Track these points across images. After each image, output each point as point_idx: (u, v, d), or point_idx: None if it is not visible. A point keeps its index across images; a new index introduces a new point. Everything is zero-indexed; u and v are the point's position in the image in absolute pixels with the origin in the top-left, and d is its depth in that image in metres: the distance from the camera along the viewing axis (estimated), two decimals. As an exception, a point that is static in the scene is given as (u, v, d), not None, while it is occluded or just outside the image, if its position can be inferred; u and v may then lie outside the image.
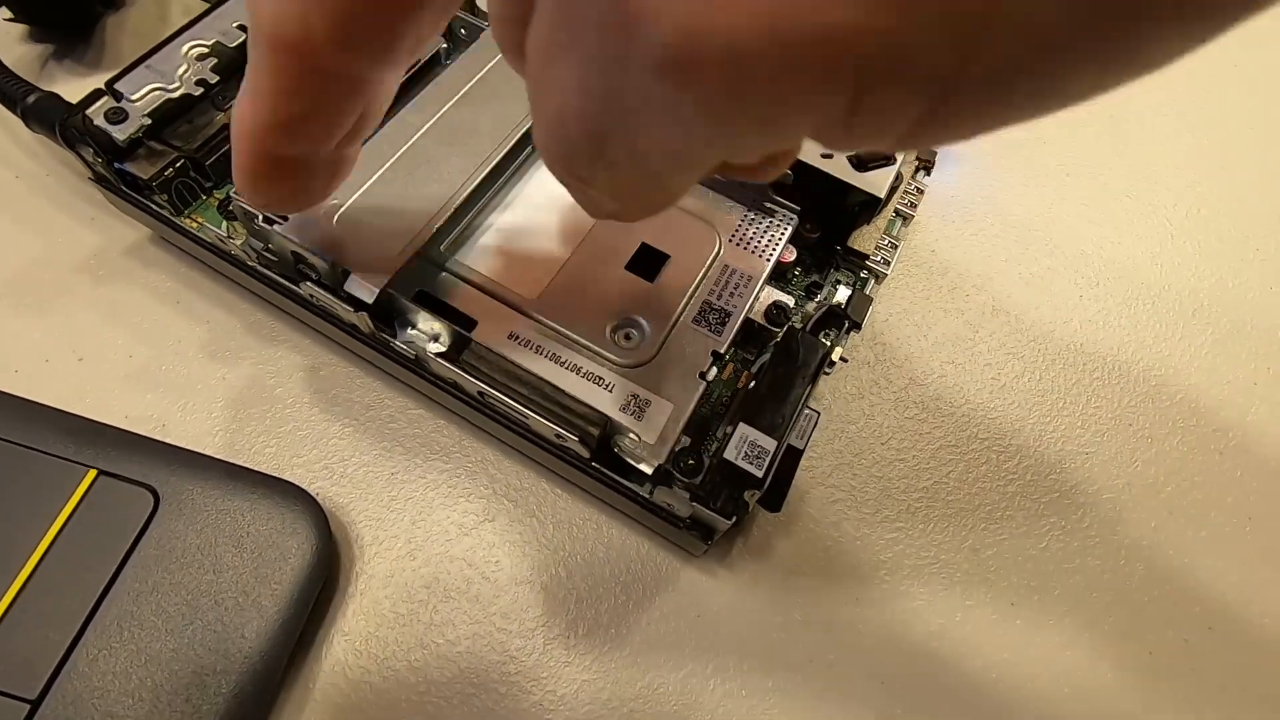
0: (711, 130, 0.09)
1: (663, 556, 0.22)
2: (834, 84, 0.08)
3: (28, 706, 0.17)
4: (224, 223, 0.23)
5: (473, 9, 0.26)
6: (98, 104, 0.22)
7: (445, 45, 0.26)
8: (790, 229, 0.24)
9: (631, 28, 0.08)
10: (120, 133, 0.22)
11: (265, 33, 0.12)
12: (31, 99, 0.24)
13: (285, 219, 0.21)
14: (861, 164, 0.24)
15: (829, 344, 0.22)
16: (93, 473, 0.20)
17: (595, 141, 0.11)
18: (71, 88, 0.28)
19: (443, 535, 0.22)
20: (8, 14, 0.28)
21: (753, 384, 0.21)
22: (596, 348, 0.21)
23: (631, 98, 0.09)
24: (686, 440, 0.20)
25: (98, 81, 0.29)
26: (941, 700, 0.21)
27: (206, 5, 0.30)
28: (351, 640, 0.21)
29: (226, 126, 0.24)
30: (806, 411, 0.21)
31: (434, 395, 0.23)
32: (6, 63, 0.26)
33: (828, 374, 0.22)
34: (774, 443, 0.20)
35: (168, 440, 0.22)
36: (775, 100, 0.08)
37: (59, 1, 0.29)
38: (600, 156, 0.11)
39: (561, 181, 0.12)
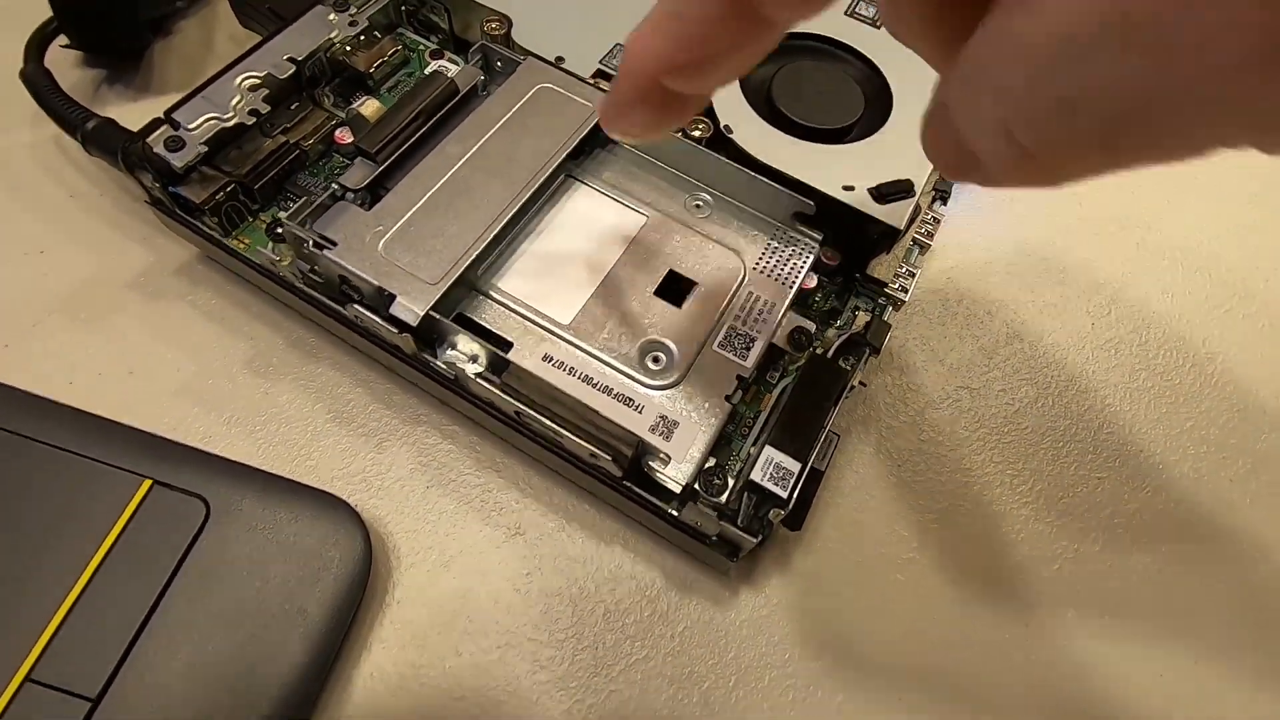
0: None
1: (688, 572, 0.23)
2: None
3: (88, 704, 0.18)
4: (271, 244, 0.24)
5: (508, 43, 0.27)
6: (157, 132, 0.23)
7: (483, 77, 0.27)
8: (812, 257, 0.25)
9: None
10: (178, 160, 0.23)
11: None
12: (91, 125, 0.25)
13: (334, 244, 0.22)
14: (882, 196, 0.24)
15: (850, 370, 0.23)
16: (148, 483, 0.21)
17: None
18: (124, 110, 0.30)
19: (475, 548, 0.23)
20: (64, 40, 0.29)
21: (778, 409, 0.22)
22: (627, 370, 0.22)
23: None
24: (712, 460, 0.21)
25: (148, 104, 0.31)
26: (959, 716, 0.22)
27: (249, 32, 0.32)
28: (388, 648, 0.21)
29: (274, 151, 0.25)
30: (826, 434, 0.22)
31: (470, 413, 0.24)
32: (63, 87, 0.27)
33: (847, 398, 0.23)
34: (798, 465, 0.20)
35: (214, 452, 0.23)
36: None
37: (112, 30, 0.30)
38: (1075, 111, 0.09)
39: (968, 118, 0.11)
